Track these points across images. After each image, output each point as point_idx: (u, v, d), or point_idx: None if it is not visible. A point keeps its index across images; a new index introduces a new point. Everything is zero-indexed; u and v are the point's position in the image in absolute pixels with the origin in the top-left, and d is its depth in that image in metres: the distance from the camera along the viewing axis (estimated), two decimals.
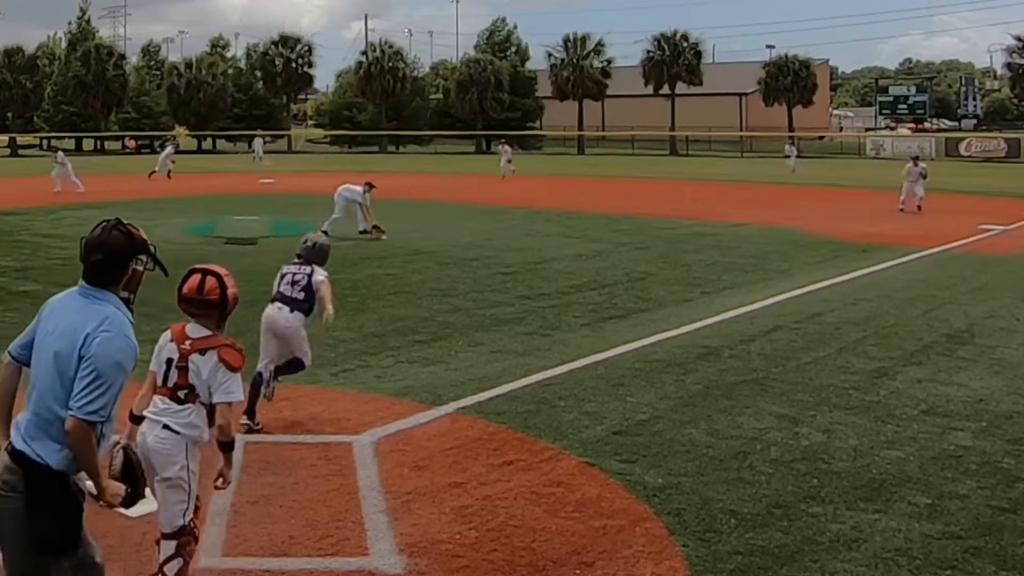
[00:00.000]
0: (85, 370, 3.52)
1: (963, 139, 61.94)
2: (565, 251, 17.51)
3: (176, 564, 4.46)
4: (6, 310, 11.76)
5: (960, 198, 29.10)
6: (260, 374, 7.43)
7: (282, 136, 71.62)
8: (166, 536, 4.47)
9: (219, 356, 4.50)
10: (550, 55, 73.40)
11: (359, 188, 20.03)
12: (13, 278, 14.10)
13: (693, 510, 5.84)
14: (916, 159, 27.80)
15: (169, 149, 39.76)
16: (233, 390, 4.49)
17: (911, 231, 20.71)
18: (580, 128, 71.84)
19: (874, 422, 7.56)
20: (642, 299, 12.86)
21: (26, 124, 69.52)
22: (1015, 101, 78.17)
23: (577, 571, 5.08)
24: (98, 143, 69.00)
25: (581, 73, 71.37)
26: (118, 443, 4.24)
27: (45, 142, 70.85)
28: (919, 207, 24.72)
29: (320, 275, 7.75)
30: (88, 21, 75.30)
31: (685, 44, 70.72)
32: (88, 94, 67.05)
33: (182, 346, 4.59)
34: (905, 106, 76.69)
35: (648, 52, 71.31)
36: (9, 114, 68.76)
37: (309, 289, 7.65)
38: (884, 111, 78.08)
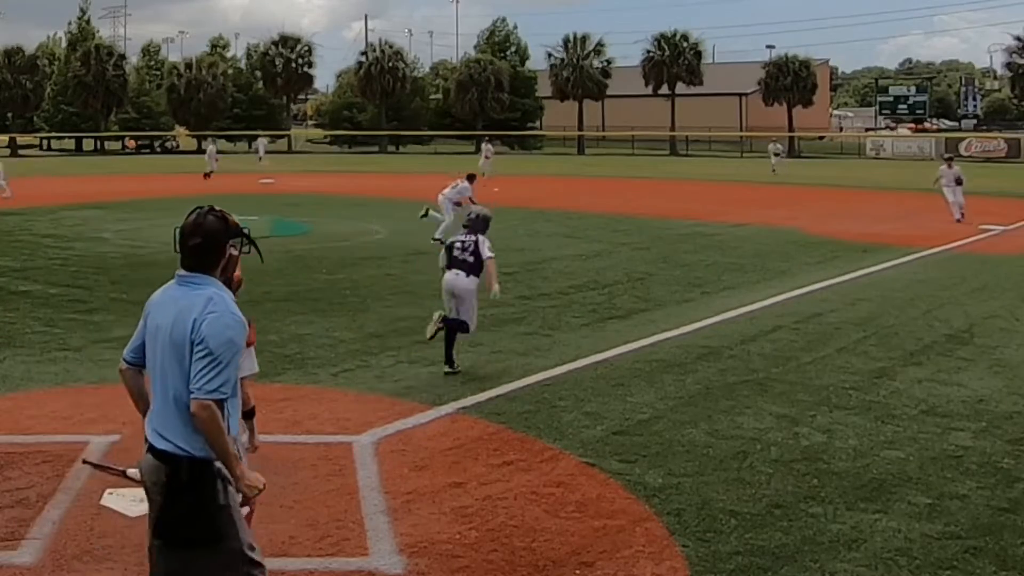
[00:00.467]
0: (199, 353, 3.58)
1: (963, 139, 61.92)
2: (565, 251, 17.52)
3: None
4: (6, 310, 11.77)
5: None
6: (445, 317, 9.14)
7: (282, 136, 71.61)
8: None
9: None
10: (550, 55, 73.43)
11: (463, 183, 19.51)
12: (13, 278, 14.11)
13: (693, 510, 5.84)
14: (950, 160, 24.27)
15: (212, 147, 39.06)
16: (248, 365, 4.92)
17: (911, 231, 20.71)
18: (580, 128, 71.83)
19: (874, 422, 7.56)
20: (642, 299, 12.87)
21: (26, 124, 69.55)
22: (1015, 101, 78.12)
23: (577, 571, 5.08)
24: (98, 143, 69.00)
25: (581, 73, 71.36)
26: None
27: (45, 142, 70.97)
28: (962, 215, 22.07)
29: (487, 250, 9.22)
30: (88, 21, 75.30)
31: (685, 44, 70.69)
32: (88, 94, 67.05)
33: None
34: (905, 106, 76.70)
35: (648, 52, 71.29)
36: (9, 114, 68.77)
37: (477, 254, 9.20)
38: (884, 111, 78.09)
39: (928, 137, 64.86)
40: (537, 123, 78.62)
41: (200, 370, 3.56)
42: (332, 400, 8.01)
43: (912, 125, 76.30)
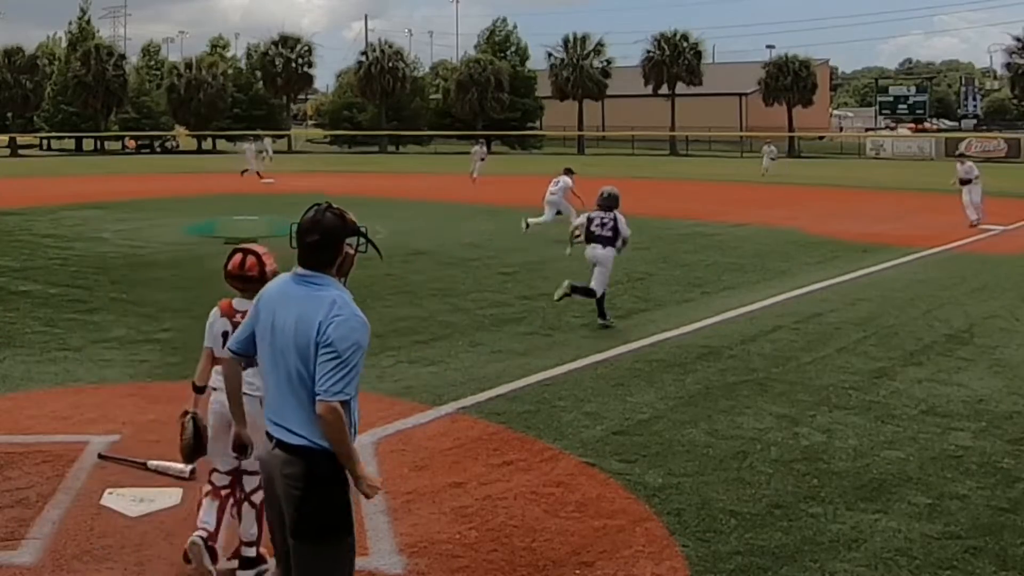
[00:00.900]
0: (325, 356, 3.63)
1: (963, 139, 61.90)
2: (565, 251, 17.48)
3: (261, 494, 4.89)
4: (6, 310, 11.76)
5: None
6: (592, 291, 11.03)
7: (282, 136, 71.59)
8: (250, 473, 5.02)
9: None
10: (550, 55, 73.32)
11: (563, 179, 20.03)
12: (13, 278, 14.10)
13: (693, 510, 5.84)
14: (962, 158, 23.67)
15: (252, 146, 38.62)
16: None
17: (911, 231, 20.70)
18: (580, 128, 71.78)
19: (874, 422, 7.56)
20: (642, 299, 12.87)
21: (26, 124, 69.49)
22: (1015, 101, 78.07)
23: (577, 571, 5.08)
24: (98, 143, 68.94)
25: (581, 73, 71.30)
26: (187, 412, 5.08)
27: (45, 142, 70.93)
28: (977, 219, 21.32)
29: (625, 227, 11.10)
30: (88, 21, 75.16)
31: (685, 44, 70.62)
32: (88, 94, 66.98)
33: (234, 319, 5.06)
34: (905, 106, 76.66)
35: (648, 52, 71.21)
36: (9, 114, 68.73)
37: (616, 229, 10.98)
38: (884, 111, 78.04)
39: (928, 137, 64.82)
40: (537, 123, 78.55)
41: (326, 372, 3.62)
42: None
43: (912, 125, 76.25)
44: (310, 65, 74.19)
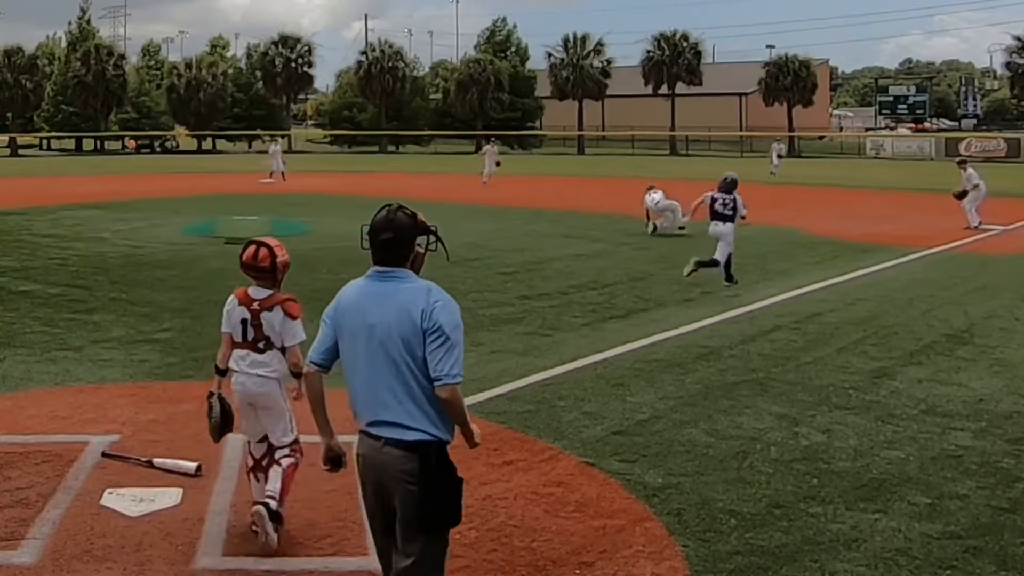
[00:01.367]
0: (436, 341, 3.75)
1: (963, 139, 61.90)
2: (565, 251, 17.52)
3: (290, 459, 5.48)
4: (6, 310, 11.76)
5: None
6: (716, 261, 13.39)
7: (282, 136, 71.61)
8: (280, 447, 5.48)
9: (283, 309, 5.42)
10: (550, 55, 73.30)
11: (655, 194, 20.45)
12: (13, 278, 14.10)
13: (693, 510, 5.84)
14: (962, 163, 23.07)
15: (275, 147, 38.18)
16: (297, 333, 5.40)
17: (911, 231, 20.70)
18: (580, 128, 71.78)
19: (874, 422, 7.56)
20: (642, 299, 12.87)
21: (26, 124, 69.48)
22: (1015, 101, 78.10)
23: (577, 571, 5.08)
24: (98, 143, 68.95)
25: (581, 73, 71.27)
26: (212, 394, 5.59)
27: (45, 142, 70.93)
28: (978, 224, 20.99)
29: (741, 204, 13.55)
30: (88, 21, 75.14)
31: (685, 44, 70.61)
32: (88, 94, 66.96)
33: (251, 307, 5.43)
34: (905, 106, 76.65)
35: (648, 52, 71.20)
36: (9, 114, 68.72)
37: (735, 208, 13.46)
38: (884, 111, 78.04)
39: (928, 137, 64.83)
40: (537, 123, 78.55)
41: (442, 357, 3.73)
42: (332, 400, 7.97)
43: (912, 125, 76.29)
44: (310, 65, 74.18)
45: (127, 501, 5.85)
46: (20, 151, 62.94)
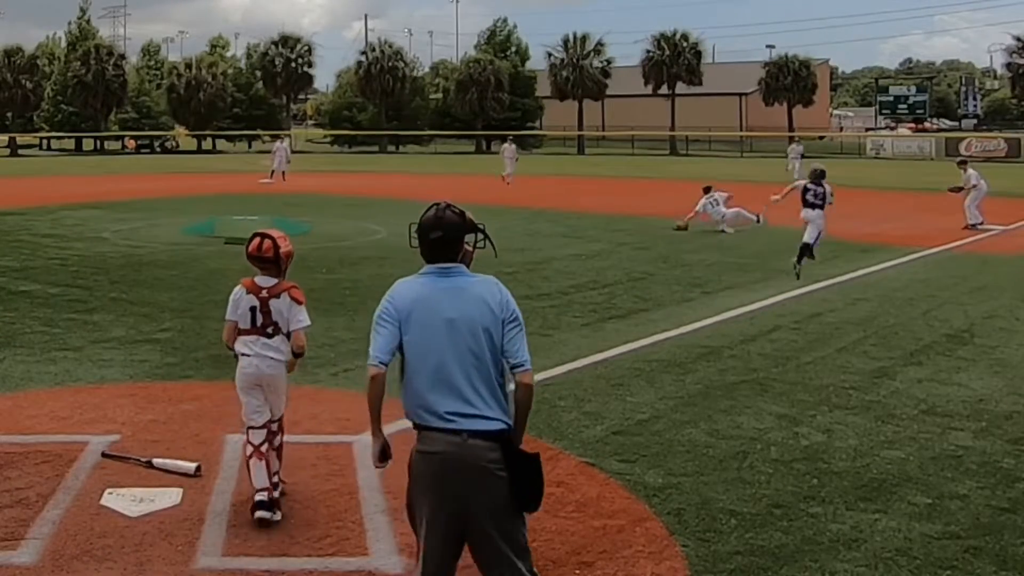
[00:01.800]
0: (514, 330, 3.92)
1: (963, 139, 61.91)
2: (565, 251, 17.51)
3: (282, 435, 6.00)
4: (6, 310, 11.76)
5: (960, 198, 29.00)
6: (808, 245, 14.71)
7: (279, 136, 71.63)
8: (274, 420, 5.88)
9: (290, 296, 5.76)
10: (550, 55, 73.37)
11: (715, 194, 21.30)
12: (13, 278, 14.10)
13: (693, 510, 5.84)
14: (962, 164, 23.31)
15: (281, 145, 37.76)
16: (303, 318, 5.78)
17: (911, 231, 20.70)
18: (580, 128, 71.81)
19: (874, 422, 7.56)
20: (642, 299, 12.86)
21: (26, 124, 69.51)
22: (1015, 101, 78.12)
23: (577, 571, 5.08)
24: (98, 143, 69.00)
25: (581, 73, 71.31)
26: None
27: (45, 142, 70.96)
28: (974, 225, 21.21)
29: (830, 193, 15.02)
30: (88, 21, 75.20)
31: (685, 44, 70.66)
32: (88, 94, 67.01)
33: (260, 295, 5.74)
34: (905, 106, 76.61)
35: (648, 52, 71.26)
36: (9, 114, 68.75)
37: (824, 196, 14.89)
38: (884, 111, 78.01)
39: (928, 137, 64.82)
40: (537, 123, 78.58)
41: (521, 345, 3.91)
42: (332, 400, 8.01)
43: (912, 125, 76.25)
44: (310, 65, 74.23)
45: (127, 501, 5.85)
46: (20, 151, 62.99)
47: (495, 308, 3.89)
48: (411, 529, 4.11)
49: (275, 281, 5.78)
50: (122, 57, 70.59)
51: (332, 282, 13.66)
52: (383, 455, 4.14)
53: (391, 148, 70.82)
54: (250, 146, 71.12)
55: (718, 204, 21.06)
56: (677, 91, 70.55)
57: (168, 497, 5.92)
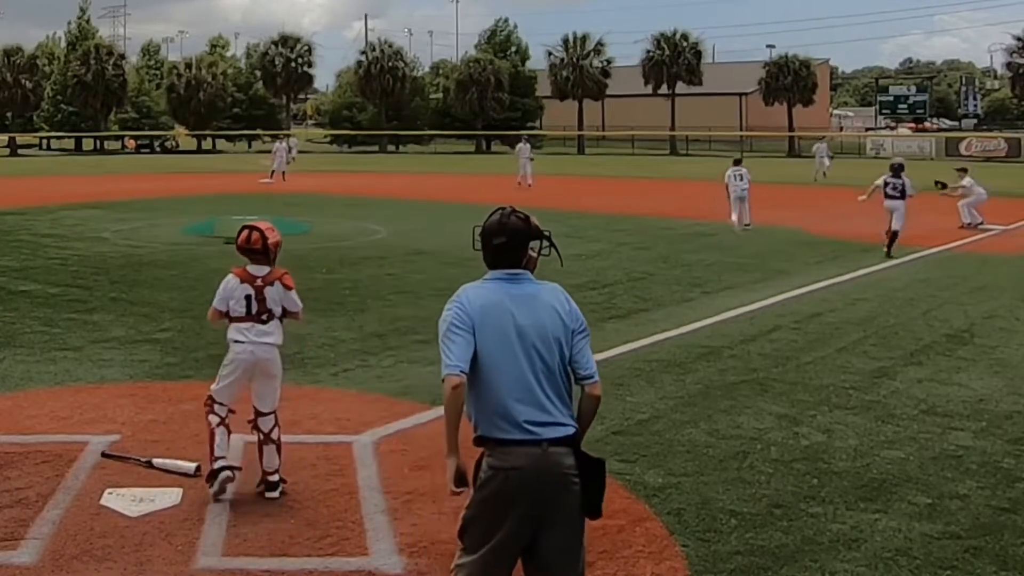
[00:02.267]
0: (583, 340, 3.89)
1: (963, 139, 61.90)
2: (565, 251, 17.21)
3: (278, 429, 6.08)
4: (6, 310, 11.76)
5: (955, 200, 28.97)
6: (896, 232, 16.92)
7: (281, 136, 71.63)
8: (265, 415, 6.05)
9: (282, 283, 6.03)
10: (550, 55, 73.35)
11: (741, 170, 21.20)
12: (13, 278, 14.10)
13: (693, 510, 5.84)
14: (964, 171, 23.05)
15: (281, 145, 37.73)
16: (297, 301, 6.10)
17: (911, 231, 20.65)
18: (580, 128, 71.79)
19: (874, 422, 7.56)
20: (642, 299, 12.86)
21: (25, 124, 69.50)
22: (1015, 101, 78.09)
23: None
24: (97, 143, 68.99)
25: (581, 73, 71.29)
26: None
27: (45, 142, 70.94)
28: (968, 224, 21.24)
29: (910, 185, 17.07)
30: (88, 21, 75.16)
31: (685, 44, 70.63)
32: (88, 94, 66.98)
33: (255, 284, 5.97)
34: (905, 106, 76.55)
35: (648, 52, 71.22)
36: (8, 114, 68.74)
37: (903, 188, 16.97)
38: (884, 111, 77.95)
39: (928, 137, 64.79)
40: (537, 123, 78.57)
41: (589, 356, 3.89)
42: (332, 400, 8.01)
43: (912, 125, 76.19)
44: (310, 65, 74.22)
45: (127, 501, 5.85)
46: (20, 151, 62.97)
47: (565, 318, 3.85)
48: (458, 537, 3.93)
49: (268, 269, 6.01)
50: (122, 57, 70.57)
51: (332, 282, 13.66)
52: (461, 479, 3.82)
53: (391, 148, 70.81)
54: (250, 146, 71.11)
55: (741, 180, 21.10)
56: (677, 91, 70.53)
57: (168, 497, 5.92)
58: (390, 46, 73.79)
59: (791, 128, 67.92)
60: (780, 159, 57.86)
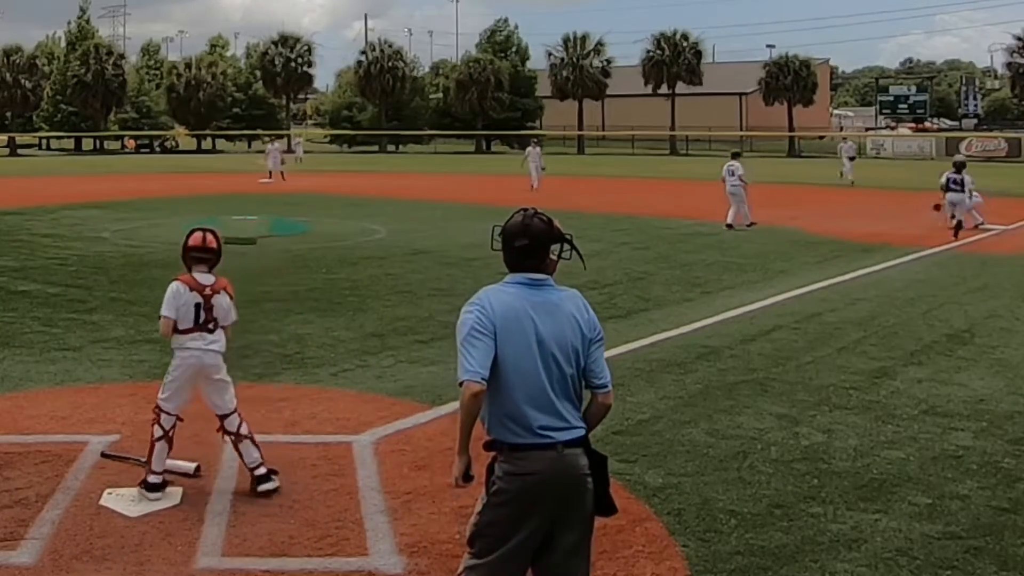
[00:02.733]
0: (599, 349, 3.92)
1: (963, 139, 61.90)
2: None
3: (245, 425, 6.10)
4: (5, 310, 11.75)
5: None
6: (961, 222, 19.16)
7: (282, 136, 71.63)
8: (228, 416, 6.09)
9: (227, 292, 6.07)
10: (550, 55, 73.41)
11: (735, 164, 21.60)
12: (12, 278, 14.09)
13: (693, 510, 5.83)
14: (960, 167, 21.75)
15: (274, 145, 37.78)
16: (234, 312, 6.14)
17: (911, 231, 20.69)
18: (580, 128, 71.83)
19: (874, 422, 7.55)
20: (642, 299, 12.86)
21: (25, 124, 69.52)
22: (1016, 101, 78.09)
23: None
24: (97, 143, 69.03)
25: (581, 73, 71.34)
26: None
27: (44, 142, 70.96)
28: (964, 223, 20.25)
29: (969, 181, 19.10)
30: (88, 20, 75.18)
31: (685, 44, 70.69)
32: (87, 94, 67.04)
33: (204, 292, 5.98)
34: (905, 106, 76.58)
35: (648, 52, 71.28)
36: (8, 114, 68.76)
37: (962, 183, 19.24)
38: (884, 111, 77.99)
39: (928, 137, 64.82)
40: (537, 123, 78.57)
41: (604, 364, 3.92)
42: (331, 400, 8.00)
43: (912, 125, 76.19)
44: (310, 65, 74.27)
45: (127, 501, 5.84)
46: (19, 151, 62.99)
47: (584, 328, 3.83)
48: (468, 543, 3.93)
49: (214, 278, 6.06)
50: (122, 57, 70.63)
51: (332, 282, 13.65)
52: (468, 476, 3.88)
53: (391, 148, 70.84)
54: (250, 146, 71.12)
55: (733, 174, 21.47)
56: (677, 91, 70.57)
57: (168, 497, 5.92)
58: (390, 46, 73.85)
59: (791, 128, 67.95)
60: (780, 159, 57.84)
